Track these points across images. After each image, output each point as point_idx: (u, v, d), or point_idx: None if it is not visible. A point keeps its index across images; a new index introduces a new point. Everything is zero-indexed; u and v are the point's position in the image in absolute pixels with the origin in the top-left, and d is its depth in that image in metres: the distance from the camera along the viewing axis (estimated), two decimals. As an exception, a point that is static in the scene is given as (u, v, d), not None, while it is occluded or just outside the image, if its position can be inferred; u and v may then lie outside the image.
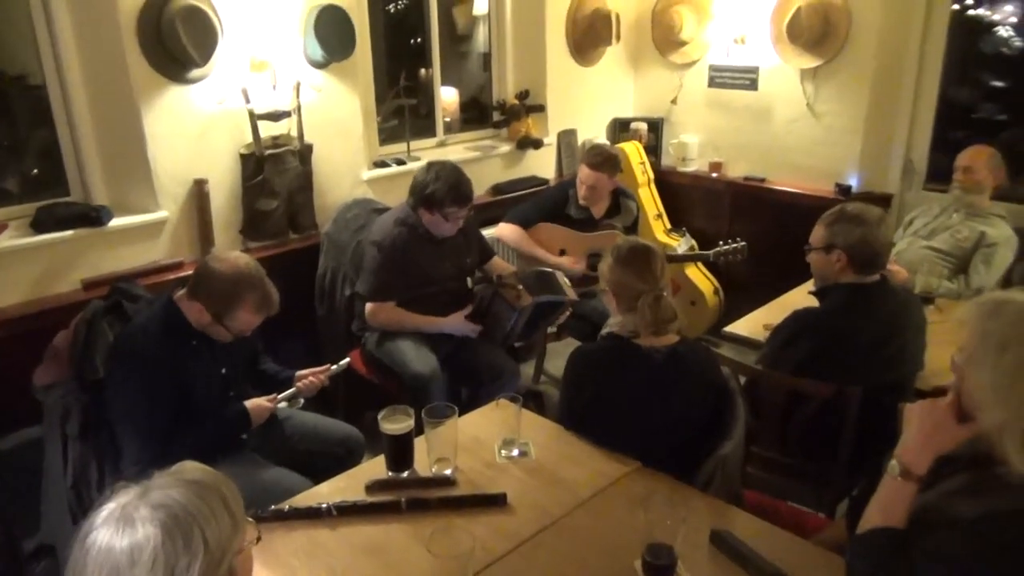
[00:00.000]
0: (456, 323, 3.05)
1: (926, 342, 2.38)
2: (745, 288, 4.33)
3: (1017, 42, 3.82)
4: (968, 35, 3.90)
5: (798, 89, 4.18)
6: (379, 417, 1.92)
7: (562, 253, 3.70)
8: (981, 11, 3.85)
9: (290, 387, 2.49)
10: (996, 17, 3.85)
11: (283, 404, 2.50)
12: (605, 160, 3.51)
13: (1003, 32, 3.85)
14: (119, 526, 1.07)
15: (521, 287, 3.02)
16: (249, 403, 2.33)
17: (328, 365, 2.59)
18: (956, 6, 3.79)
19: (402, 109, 3.92)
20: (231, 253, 2.33)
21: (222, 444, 2.27)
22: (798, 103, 4.20)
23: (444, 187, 2.92)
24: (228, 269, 2.20)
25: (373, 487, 1.87)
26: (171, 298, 2.26)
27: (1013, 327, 1.29)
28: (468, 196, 2.98)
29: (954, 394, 1.39)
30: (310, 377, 2.51)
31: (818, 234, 2.31)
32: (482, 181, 4.24)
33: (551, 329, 3.94)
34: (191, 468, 1.21)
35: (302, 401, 2.62)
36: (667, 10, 4.52)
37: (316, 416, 2.63)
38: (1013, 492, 1.27)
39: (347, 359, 2.70)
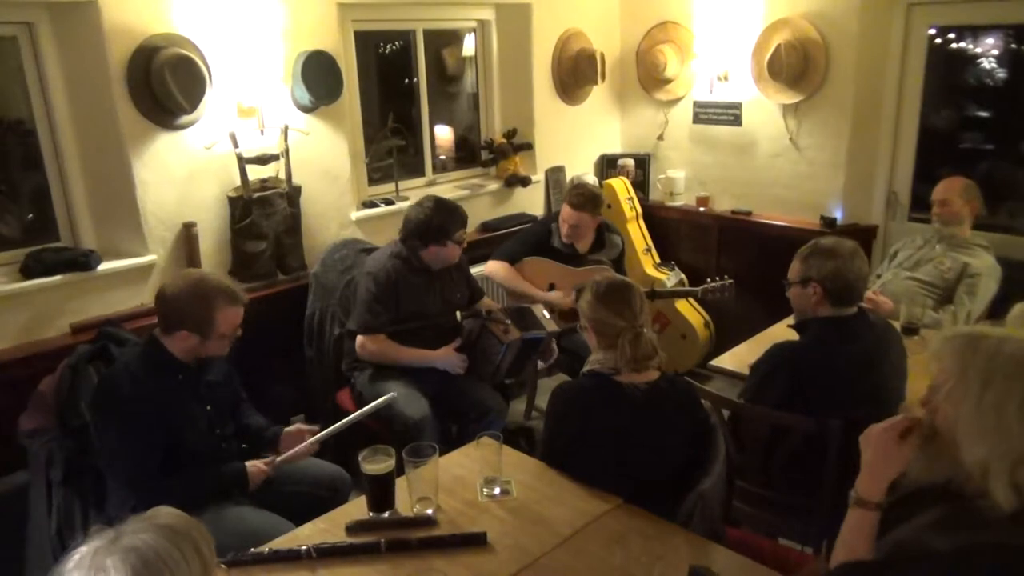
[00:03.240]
0: (445, 356, 3.07)
1: (907, 373, 2.39)
2: (736, 320, 4.35)
3: (999, 73, 3.89)
4: (949, 67, 3.96)
5: (781, 124, 4.24)
6: (360, 457, 1.93)
7: (551, 287, 3.72)
8: (963, 44, 3.93)
9: (276, 443, 2.46)
10: (978, 49, 3.92)
11: None
12: (587, 200, 3.55)
13: (985, 64, 3.92)
14: (89, 572, 1.07)
15: (509, 322, 3.05)
16: (248, 464, 2.31)
17: (315, 426, 2.51)
18: (939, 40, 3.86)
19: (396, 150, 3.98)
20: (174, 278, 2.33)
21: (214, 496, 2.25)
22: (781, 138, 4.27)
23: (447, 216, 3.04)
24: (185, 286, 2.22)
25: (354, 528, 1.87)
26: (153, 336, 2.28)
27: (992, 361, 1.29)
28: (465, 214, 3.14)
29: (903, 418, 1.42)
30: (307, 443, 2.40)
31: (794, 268, 2.34)
32: (471, 219, 4.22)
33: (541, 365, 3.95)
34: (164, 513, 1.21)
35: None
36: (651, 49, 4.60)
37: None
38: (988, 526, 1.27)
39: (392, 393, 2.51)
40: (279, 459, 2.37)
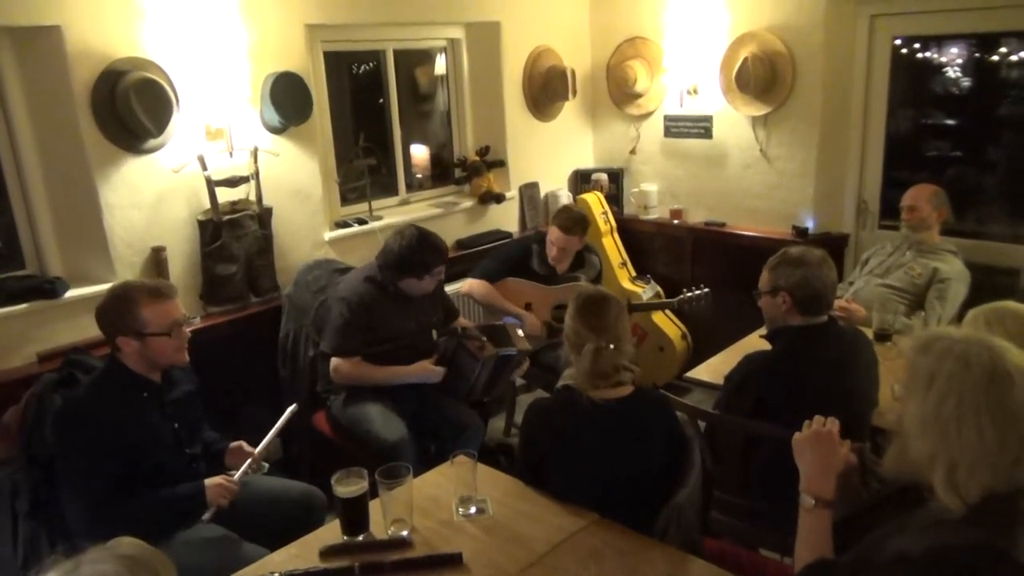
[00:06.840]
0: (421, 370, 3.03)
1: (879, 380, 2.40)
2: (713, 331, 4.36)
3: (964, 82, 3.96)
4: (915, 76, 4.02)
5: (750, 135, 4.28)
6: (332, 480, 1.90)
7: (527, 307, 3.72)
8: (928, 54, 3.99)
9: (222, 460, 2.43)
10: (943, 59, 3.98)
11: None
12: (576, 223, 3.58)
13: (950, 72, 3.98)
14: None
15: (485, 339, 3.03)
16: (209, 481, 2.25)
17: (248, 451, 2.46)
18: (904, 50, 3.92)
19: (368, 169, 3.97)
20: None
21: (173, 518, 2.19)
22: (751, 149, 4.31)
23: (427, 252, 2.98)
24: (107, 294, 2.24)
25: (327, 553, 1.84)
26: (113, 356, 2.25)
27: (940, 363, 1.32)
28: (446, 249, 3.08)
29: (831, 421, 1.58)
30: (259, 450, 2.42)
31: (763, 278, 2.35)
32: (445, 237, 4.19)
33: (520, 382, 3.94)
34: (126, 543, 1.19)
35: (267, 466, 2.57)
36: (620, 64, 4.64)
37: (273, 479, 2.57)
38: (956, 527, 1.28)
39: (293, 406, 2.54)
40: (239, 473, 2.33)
